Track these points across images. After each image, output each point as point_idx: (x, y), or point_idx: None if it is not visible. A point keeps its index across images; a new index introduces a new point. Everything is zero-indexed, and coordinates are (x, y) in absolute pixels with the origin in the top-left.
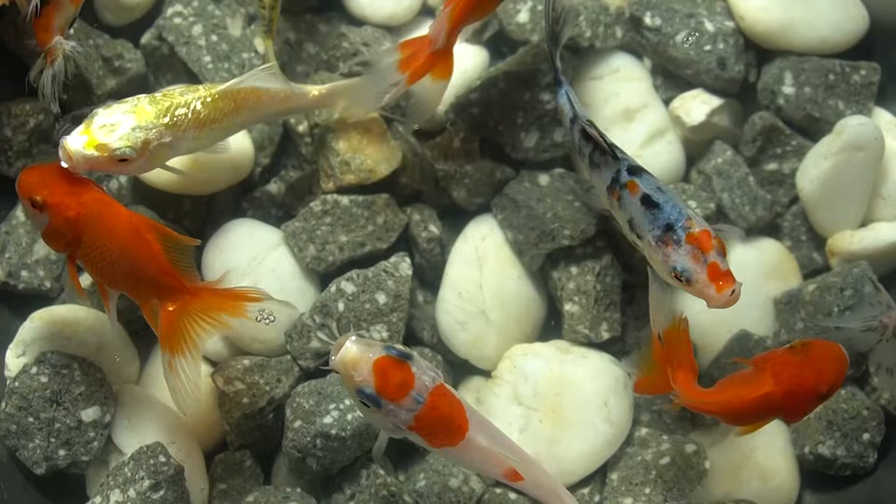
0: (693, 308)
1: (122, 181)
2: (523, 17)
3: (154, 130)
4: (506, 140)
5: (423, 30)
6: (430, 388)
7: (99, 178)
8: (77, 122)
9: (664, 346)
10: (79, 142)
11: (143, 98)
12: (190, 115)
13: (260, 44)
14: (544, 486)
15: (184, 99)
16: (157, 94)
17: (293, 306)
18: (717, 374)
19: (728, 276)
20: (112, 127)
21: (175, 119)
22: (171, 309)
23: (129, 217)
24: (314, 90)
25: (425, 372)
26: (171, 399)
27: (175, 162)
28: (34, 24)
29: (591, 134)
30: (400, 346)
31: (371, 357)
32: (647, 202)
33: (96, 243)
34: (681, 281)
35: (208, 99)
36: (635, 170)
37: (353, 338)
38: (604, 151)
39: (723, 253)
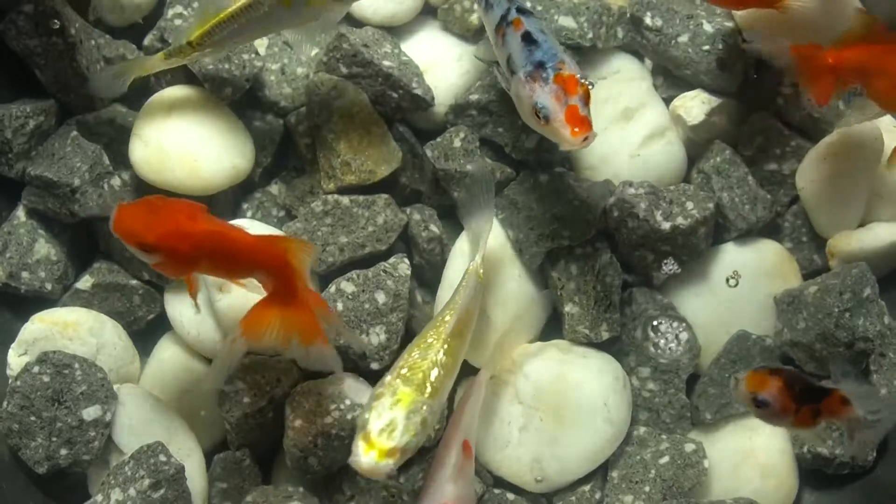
0: (693, 308)
1: (124, 178)
2: None
3: (425, 407)
4: (506, 140)
5: (424, 29)
6: None
7: (100, 174)
8: (81, 126)
9: None
10: (370, 459)
11: (395, 381)
12: (443, 371)
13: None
14: (464, 421)
15: (429, 361)
16: (403, 370)
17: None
18: (717, 373)
19: (585, 122)
20: (390, 427)
21: (434, 386)
22: (276, 300)
23: (243, 233)
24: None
25: None
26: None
27: None
28: None
29: None
30: None
31: None
32: (528, 38)
33: (216, 263)
34: (539, 118)
35: (446, 346)
36: (525, 11)
37: None
38: None
39: (586, 100)
